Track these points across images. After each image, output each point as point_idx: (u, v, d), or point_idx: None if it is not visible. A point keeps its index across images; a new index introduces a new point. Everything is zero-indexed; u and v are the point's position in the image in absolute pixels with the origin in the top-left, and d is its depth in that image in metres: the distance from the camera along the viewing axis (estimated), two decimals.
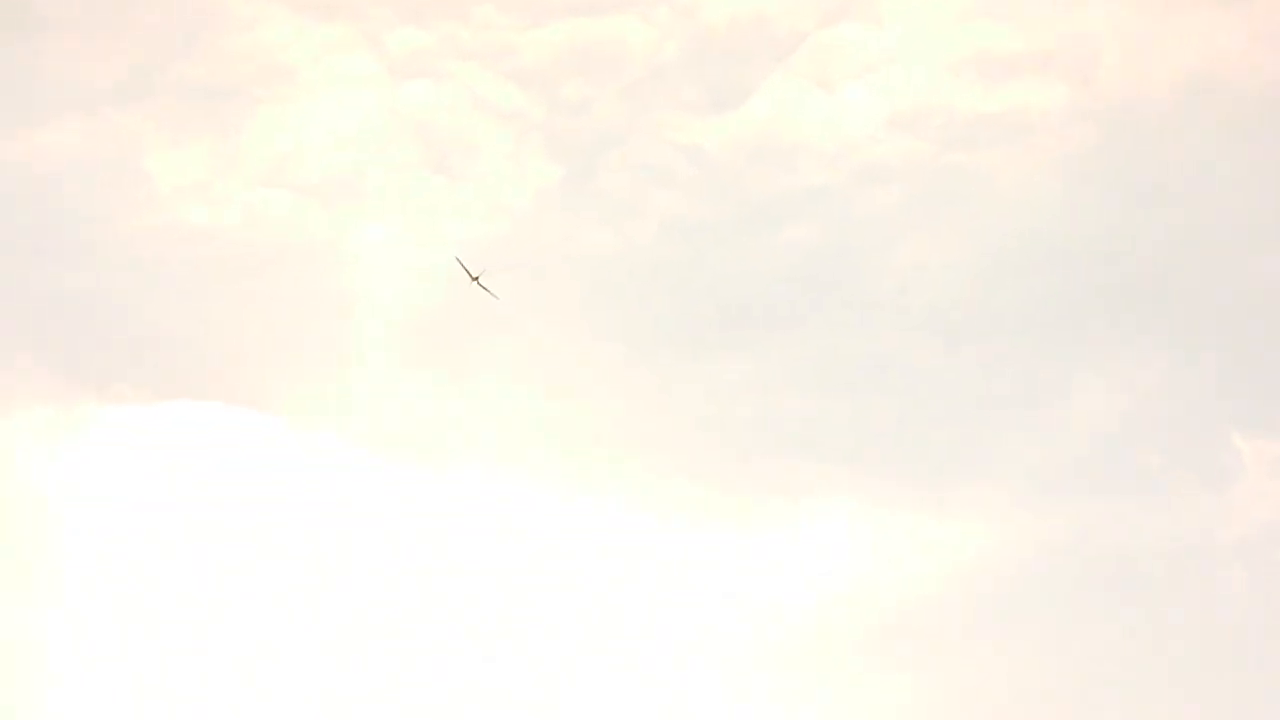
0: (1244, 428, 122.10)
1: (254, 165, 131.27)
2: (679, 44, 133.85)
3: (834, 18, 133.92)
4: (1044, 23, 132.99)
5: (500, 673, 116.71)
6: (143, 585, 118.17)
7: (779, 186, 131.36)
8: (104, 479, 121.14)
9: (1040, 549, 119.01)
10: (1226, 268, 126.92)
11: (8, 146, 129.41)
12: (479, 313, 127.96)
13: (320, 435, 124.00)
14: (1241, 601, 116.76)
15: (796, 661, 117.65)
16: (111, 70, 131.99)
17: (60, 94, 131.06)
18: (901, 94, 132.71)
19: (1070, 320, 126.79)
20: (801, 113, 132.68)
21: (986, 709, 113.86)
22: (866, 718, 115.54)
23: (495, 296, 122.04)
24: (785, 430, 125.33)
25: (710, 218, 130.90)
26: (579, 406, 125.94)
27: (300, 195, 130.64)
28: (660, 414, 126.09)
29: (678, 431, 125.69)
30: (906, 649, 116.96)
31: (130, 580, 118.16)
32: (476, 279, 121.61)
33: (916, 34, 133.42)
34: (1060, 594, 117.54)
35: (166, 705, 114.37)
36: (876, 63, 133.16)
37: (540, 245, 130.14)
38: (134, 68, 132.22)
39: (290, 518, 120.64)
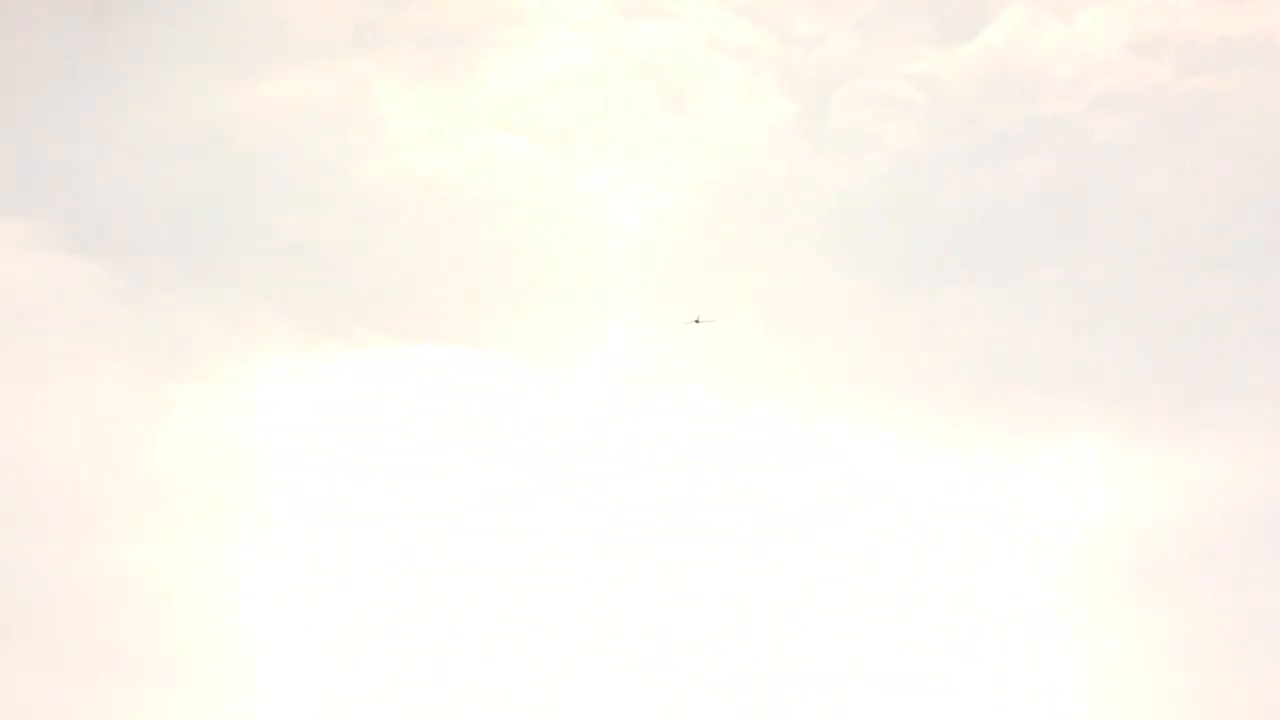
0: None
1: (486, 109, 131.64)
2: None
3: None
4: None
5: (738, 598, 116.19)
6: (379, 527, 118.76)
7: (1016, 116, 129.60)
8: (345, 422, 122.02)
9: None
10: None
11: (243, 97, 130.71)
12: (713, 251, 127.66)
13: (559, 377, 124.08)
14: None
15: (1046, 600, 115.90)
16: (343, 18, 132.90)
17: (294, 44, 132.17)
18: (1140, 18, 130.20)
19: None
20: (1038, 40, 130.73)
21: (1251, 647, 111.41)
22: (1123, 657, 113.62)
23: (714, 320, 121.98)
24: (1029, 363, 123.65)
25: (946, 149, 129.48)
26: (817, 342, 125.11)
27: (533, 138, 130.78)
28: (898, 349, 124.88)
29: (916, 367, 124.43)
30: (1162, 586, 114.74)
31: (367, 521, 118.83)
32: (697, 321, 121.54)
33: None
34: None
35: (393, 643, 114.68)
36: None
37: (775, 182, 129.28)
38: (365, 15, 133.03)
39: (533, 459, 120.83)
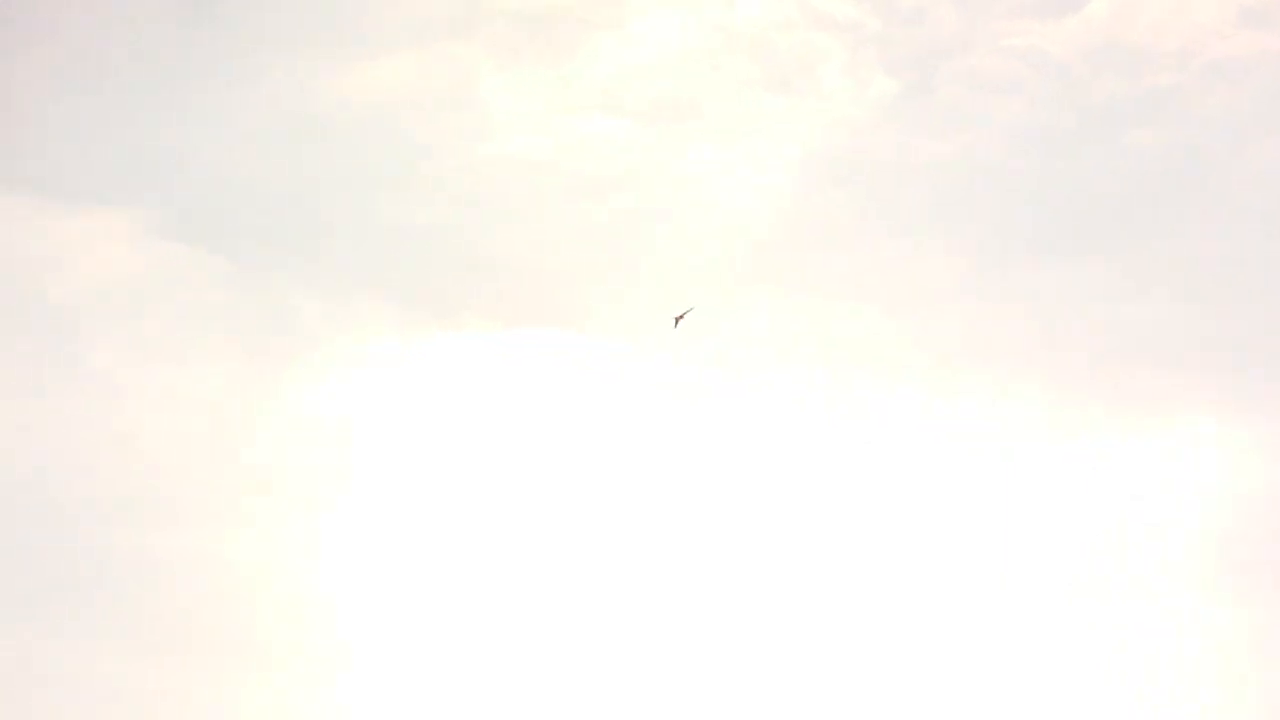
0: None
1: (588, 91, 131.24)
2: None
3: None
4: None
5: (853, 582, 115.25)
6: (483, 512, 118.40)
7: (1124, 88, 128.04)
8: (449, 406, 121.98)
9: None
10: None
11: (344, 81, 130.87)
12: (818, 231, 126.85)
13: (659, 359, 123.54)
14: None
15: (1159, 579, 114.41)
16: (444, 1, 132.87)
17: (395, 28, 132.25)
18: None
19: None
20: (1145, 11, 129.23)
21: None
22: (1243, 640, 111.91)
23: (692, 308, 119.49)
24: (1139, 339, 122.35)
25: (1053, 123, 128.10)
26: (923, 320, 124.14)
27: (635, 119, 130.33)
28: (1007, 325, 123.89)
29: (1025, 343, 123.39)
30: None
31: (471, 506, 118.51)
32: (680, 316, 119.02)
33: None
34: None
35: (495, 631, 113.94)
36: None
37: (881, 159, 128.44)
38: None
39: (637, 442, 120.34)
